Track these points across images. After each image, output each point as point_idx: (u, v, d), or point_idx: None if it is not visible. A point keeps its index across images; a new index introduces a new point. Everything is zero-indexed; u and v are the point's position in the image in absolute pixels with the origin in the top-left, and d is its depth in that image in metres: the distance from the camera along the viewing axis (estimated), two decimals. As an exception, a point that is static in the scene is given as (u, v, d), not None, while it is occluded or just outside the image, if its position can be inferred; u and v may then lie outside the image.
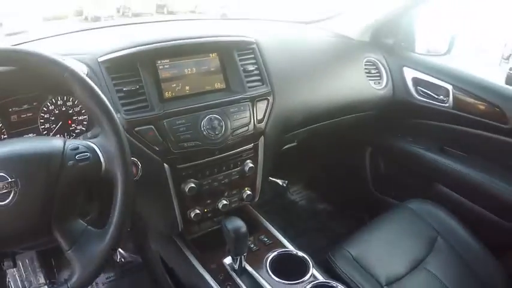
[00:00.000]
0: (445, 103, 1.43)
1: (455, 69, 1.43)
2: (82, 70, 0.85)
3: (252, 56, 1.13)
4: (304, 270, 1.01)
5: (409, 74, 1.51)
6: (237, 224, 0.94)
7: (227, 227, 0.94)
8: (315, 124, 1.36)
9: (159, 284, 1.26)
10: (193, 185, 1.01)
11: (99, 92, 0.72)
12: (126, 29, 1.35)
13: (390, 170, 1.76)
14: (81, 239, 0.70)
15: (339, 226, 1.91)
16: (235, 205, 1.14)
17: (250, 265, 1.02)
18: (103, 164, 0.72)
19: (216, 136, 1.00)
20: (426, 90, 1.48)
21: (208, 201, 1.08)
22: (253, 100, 1.08)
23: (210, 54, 1.08)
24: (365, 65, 1.48)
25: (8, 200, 0.64)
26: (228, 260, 1.05)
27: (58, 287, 0.68)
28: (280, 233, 1.18)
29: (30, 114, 0.92)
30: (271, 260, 1.04)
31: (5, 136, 0.89)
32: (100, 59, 0.93)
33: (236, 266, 1.01)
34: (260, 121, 1.09)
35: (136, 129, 0.92)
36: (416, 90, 1.50)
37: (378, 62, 1.51)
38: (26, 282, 1.47)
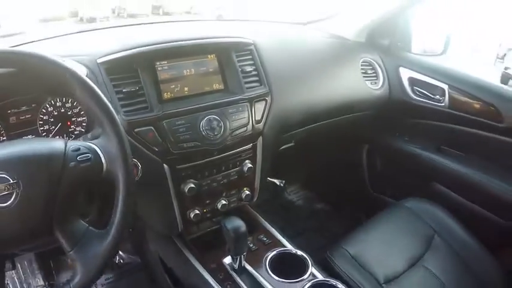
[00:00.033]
0: (441, 103, 1.45)
1: (451, 69, 1.45)
2: (81, 71, 0.85)
3: (250, 57, 1.14)
4: (303, 269, 1.02)
5: (405, 74, 1.52)
6: (237, 223, 0.95)
7: (227, 227, 0.95)
8: (313, 124, 1.37)
9: (158, 284, 1.27)
10: (192, 185, 1.02)
11: (100, 93, 0.72)
12: (124, 31, 1.35)
13: (387, 170, 1.77)
14: (83, 239, 0.70)
15: (337, 225, 1.91)
16: (234, 205, 1.14)
17: (249, 264, 1.03)
18: (104, 165, 0.72)
19: (215, 137, 1.01)
20: (422, 90, 1.49)
21: (208, 201, 1.09)
22: (252, 101, 1.09)
23: (209, 56, 1.08)
24: (361, 65, 1.48)
25: (9, 202, 0.64)
26: (227, 260, 1.06)
27: None
28: (279, 233, 1.18)
29: (29, 115, 0.91)
30: (270, 259, 1.05)
31: (4, 138, 0.89)
32: (99, 61, 0.93)
33: (236, 266, 1.01)
34: (258, 121, 1.10)
35: (136, 130, 0.92)
36: (413, 90, 1.51)
37: (374, 62, 1.52)
38: (24, 284, 1.47)
